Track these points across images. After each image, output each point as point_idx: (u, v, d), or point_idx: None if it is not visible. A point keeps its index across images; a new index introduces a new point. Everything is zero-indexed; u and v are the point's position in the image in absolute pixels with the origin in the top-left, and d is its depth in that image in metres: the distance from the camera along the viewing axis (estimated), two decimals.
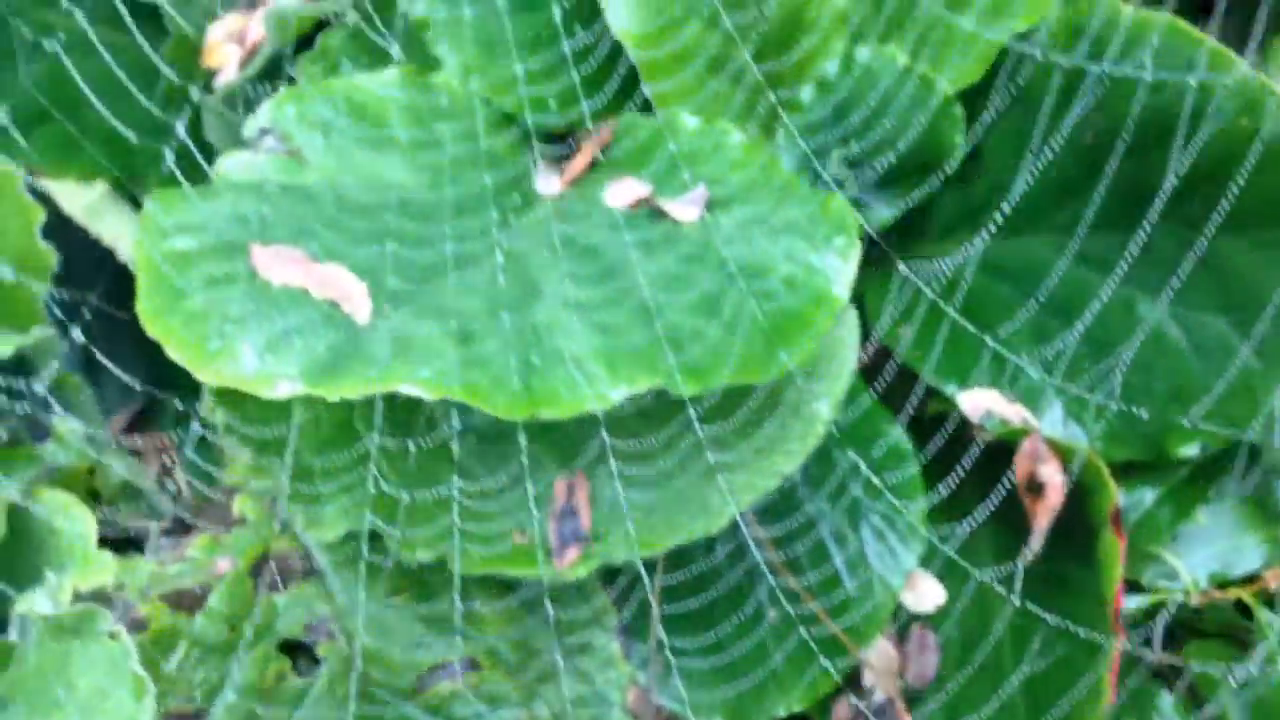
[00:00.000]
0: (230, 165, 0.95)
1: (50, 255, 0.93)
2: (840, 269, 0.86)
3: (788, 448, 0.84)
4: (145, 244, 0.77)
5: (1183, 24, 0.98)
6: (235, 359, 0.72)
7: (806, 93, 1.16)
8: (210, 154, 1.25)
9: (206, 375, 0.72)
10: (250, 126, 1.00)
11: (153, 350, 0.76)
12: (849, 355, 0.87)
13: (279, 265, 0.77)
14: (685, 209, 0.95)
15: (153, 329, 0.74)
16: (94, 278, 1.18)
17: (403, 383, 0.71)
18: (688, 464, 0.84)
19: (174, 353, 0.72)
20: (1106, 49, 1.02)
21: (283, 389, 0.71)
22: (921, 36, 1.15)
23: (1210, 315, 1.05)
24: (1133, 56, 1.04)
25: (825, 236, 0.88)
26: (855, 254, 0.87)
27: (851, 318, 0.90)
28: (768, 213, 0.91)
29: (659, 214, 0.96)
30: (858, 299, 1.03)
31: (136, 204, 1.21)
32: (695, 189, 0.96)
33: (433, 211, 0.96)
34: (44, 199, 1.15)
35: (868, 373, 1.18)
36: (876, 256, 1.04)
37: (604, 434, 0.79)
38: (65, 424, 0.96)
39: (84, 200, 1.13)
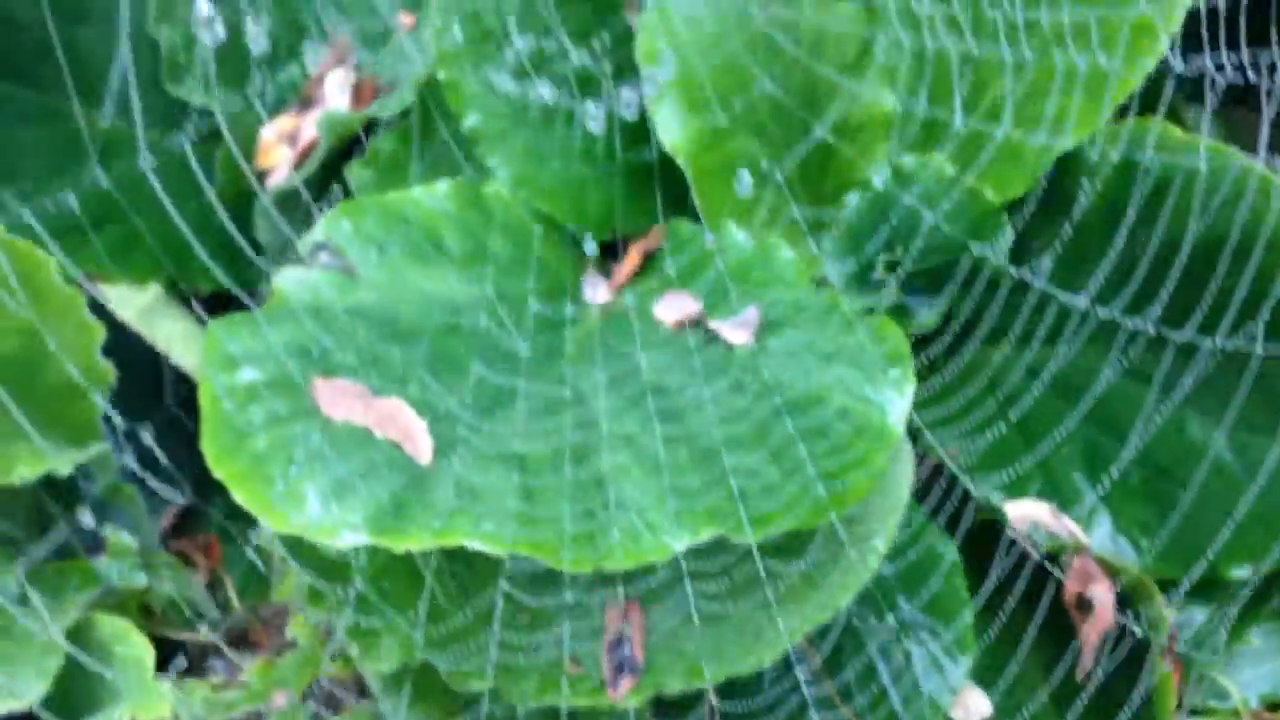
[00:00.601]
0: (287, 282, 0.96)
1: (109, 372, 0.94)
2: (896, 402, 0.86)
3: (842, 581, 0.83)
4: (209, 377, 0.78)
5: (1228, 149, 0.99)
6: (300, 505, 0.72)
7: (852, 199, 1.17)
8: (259, 251, 1.28)
9: (272, 521, 0.72)
10: (306, 242, 1.01)
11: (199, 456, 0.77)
12: (903, 489, 0.87)
13: (341, 401, 0.78)
14: (737, 331, 0.95)
15: (218, 469, 0.74)
16: (147, 382, 1.19)
17: (467, 538, 0.71)
18: (741, 595, 0.83)
19: (239, 496, 0.73)
20: (1155, 169, 1.03)
21: (347, 539, 0.71)
22: (967, 147, 1.16)
23: (1263, 437, 1.04)
24: (1181, 176, 1.05)
25: (880, 367, 0.88)
26: (910, 387, 0.87)
27: (906, 450, 0.90)
28: (820, 338, 0.92)
29: (710, 335, 0.96)
30: None
31: (189, 305, 1.23)
32: (747, 310, 0.97)
33: (486, 329, 0.97)
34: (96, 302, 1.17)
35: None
36: (921, 359, 1.04)
37: (658, 567, 0.79)
38: (119, 537, 0.96)
39: (138, 304, 1.14)
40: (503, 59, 1.05)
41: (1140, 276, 1.06)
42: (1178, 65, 1.00)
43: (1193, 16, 0.99)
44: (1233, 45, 0.96)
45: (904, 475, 0.88)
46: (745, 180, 1.07)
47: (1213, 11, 0.96)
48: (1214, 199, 0.98)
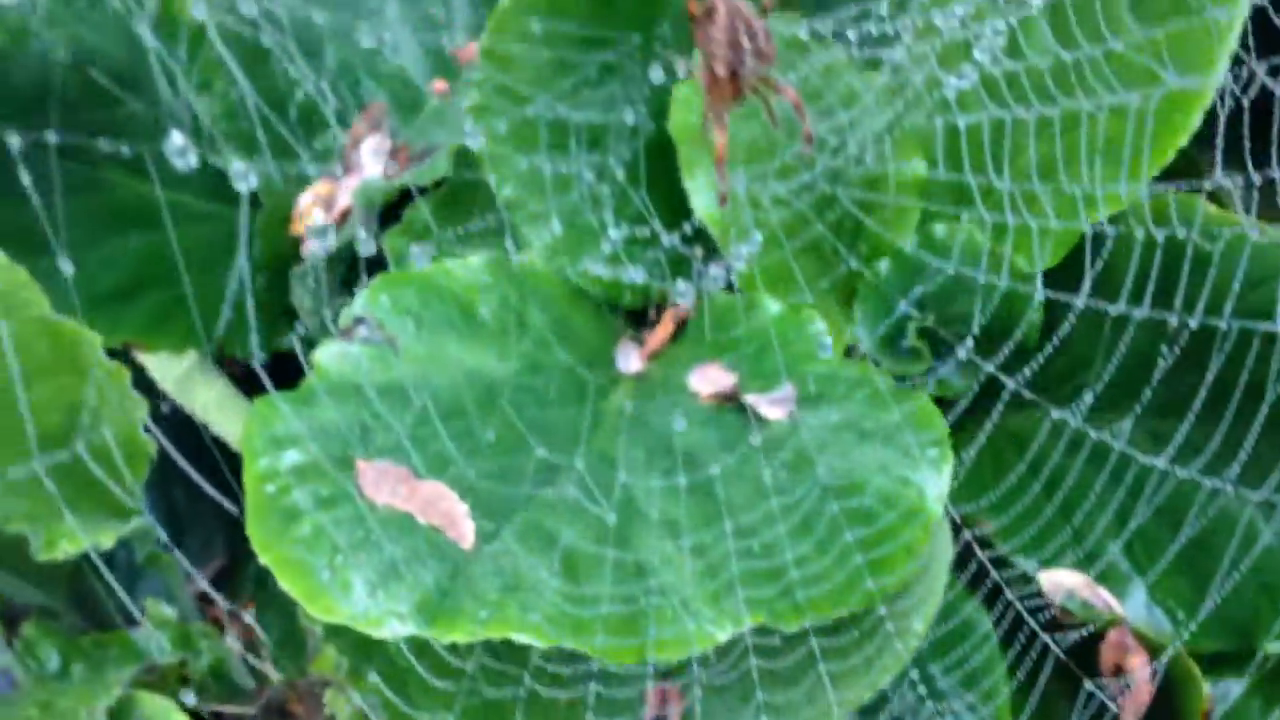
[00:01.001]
0: (327, 357, 0.97)
1: (150, 446, 0.95)
2: (935, 483, 0.86)
3: (881, 662, 0.83)
4: (251, 460, 0.79)
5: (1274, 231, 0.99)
6: (347, 594, 0.73)
7: (883, 265, 1.18)
8: (294, 317, 1.29)
9: (318, 610, 0.72)
10: (345, 316, 1.02)
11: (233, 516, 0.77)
12: (942, 570, 0.87)
13: (383, 485, 0.78)
14: (773, 407, 0.96)
15: (264, 555, 0.75)
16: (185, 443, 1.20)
17: (513, 630, 0.72)
18: (787, 680, 0.83)
19: (285, 584, 0.73)
20: (1188, 245, 1.04)
21: (393, 629, 0.72)
22: (999, 216, 1.16)
23: None
24: (1214, 252, 1.05)
25: (919, 446, 0.88)
26: (949, 467, 0.87)
27: (944, 530, 0.90)
28: (858, 416, 0.92)
29: (741, 410, 0.97)
30: None
31: (225, 370, 1.24)
32: (784, 387, 0.97)
33: (523, 402, 0.98)
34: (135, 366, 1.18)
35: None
36: (954, 424, 1.04)
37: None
38: (159, 609, 0.97)
39: (176, 371, 1.15)
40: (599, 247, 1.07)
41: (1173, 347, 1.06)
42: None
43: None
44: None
45: (942, 556, 0.88)
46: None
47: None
48: (1240, 275, 0.99)
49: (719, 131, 0.76)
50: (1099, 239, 1.10)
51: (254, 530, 0.76)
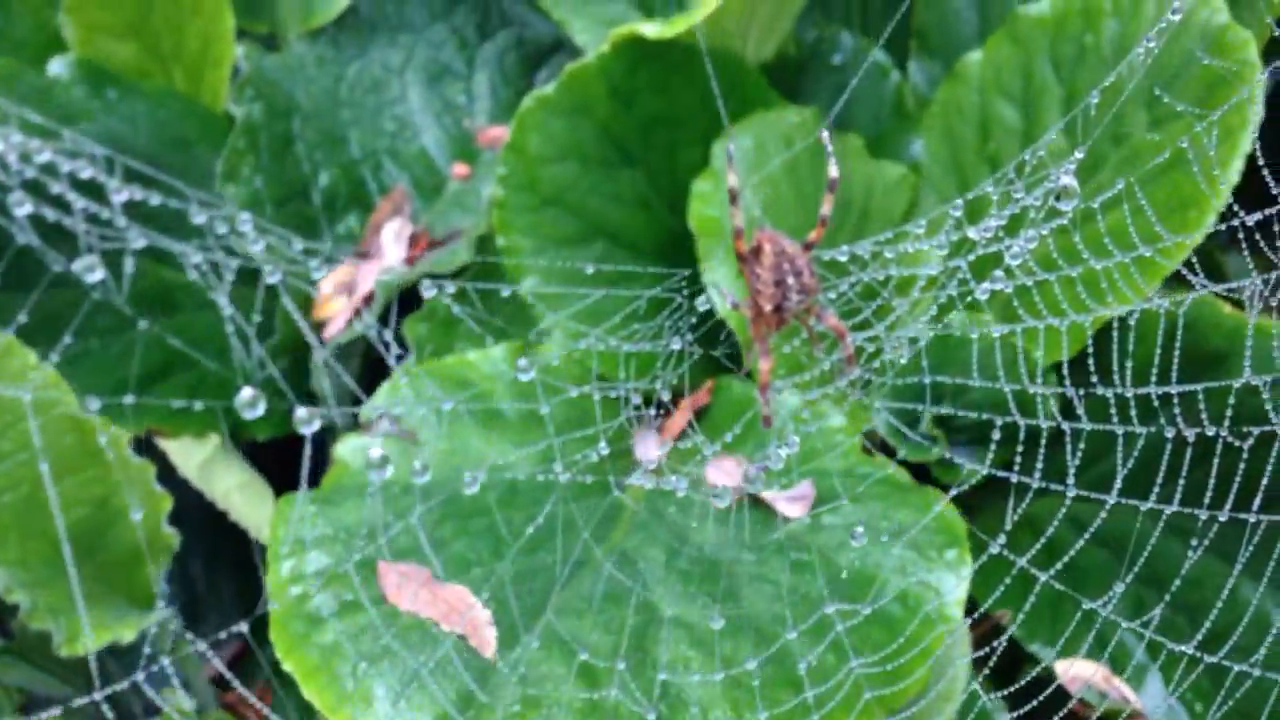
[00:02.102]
0: (348, 451, 0.98)
1: (173, 538, 0.96)
2: (954, 586, 0.86)
3: None
4: (276, 563, 0.80)
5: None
6: (369, 704, 0.73)
7: (902, 354, 1.18)
8: (315, 401, 1.30)
9: (340, 719, 0.73)
10: (366, 409, 1.03)
11: (253, 589, 0.77)
12: (961, 672, 0.87)
13: (406, 589, 0.79)
14: (791, 506, 0.96)
15: (288, 662, 0.75)
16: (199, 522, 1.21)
17: None
18: None
19: (308, 693, 0.74)
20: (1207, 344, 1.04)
21: None
22: (1014, 304, 1.17)
23: None
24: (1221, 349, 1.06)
25: (938, 548, 0.88)
26: (967, 570, 0.87)
27: (963, 632, 0.90)
28: (876, 515, 0.92)
29: (758, 505, 0.97)
30: None
31: (246, 453, 1.25)
32: (802, 485, 0.98)
33: (542, 496, 0.98)
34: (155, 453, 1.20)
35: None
36: (971, 510, 1.05)
37: None
38: (178, 700, 0.97)
39: (198, 458, 1.16)
40: None
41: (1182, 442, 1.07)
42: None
43: None
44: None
45: (961, 658, 0.88)
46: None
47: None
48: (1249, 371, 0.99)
49: (764, 359, 0.78)
50: (1113, 332, 1.11)
51: (278, 637, 0.76)
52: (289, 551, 0.80)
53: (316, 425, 0.64)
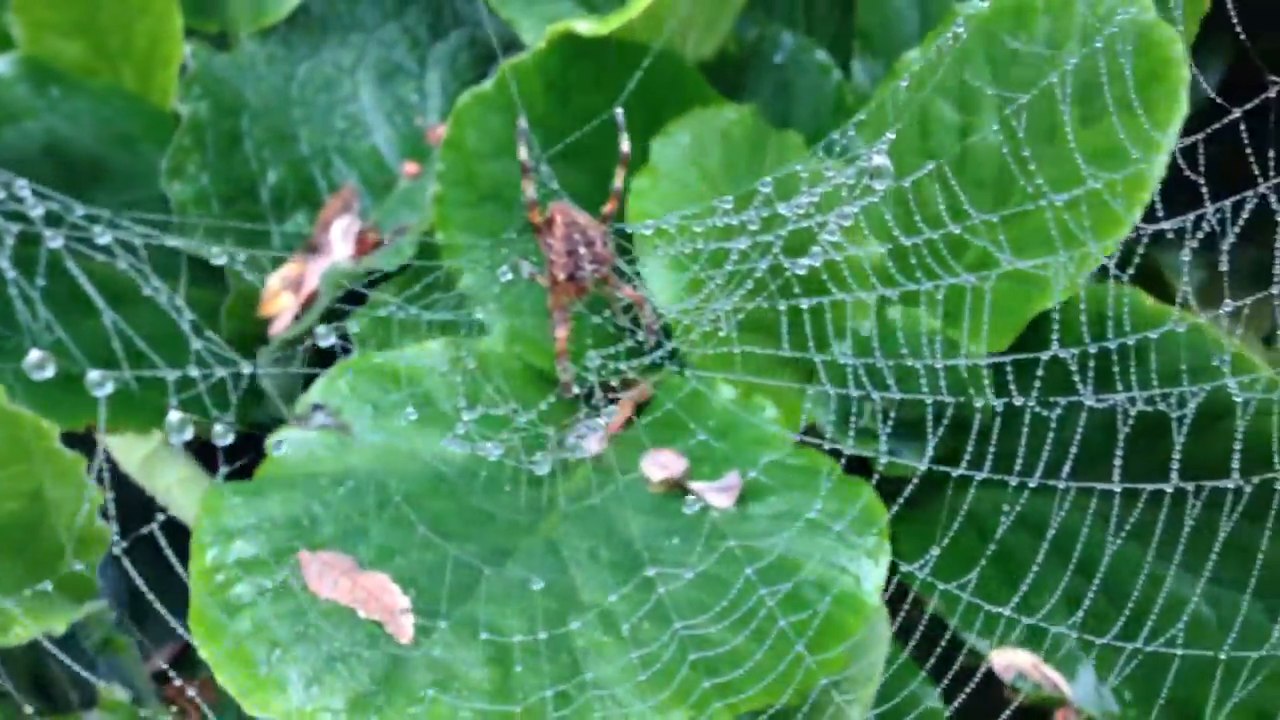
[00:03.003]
0: (283, 443, 0.99)
1: (107, 532, 0.96)
2: (871, 572, 0.88)
3: None
4: (199, 553, 0.81)
5: (1205, 325, 1.02)
6: (282, 689, 0.74)
7: (841, 348, 1.20)
8: (263, 399, 1.31)
9: (253, 705, 0.74)
10: (303, 403, 1.04)
11: None
12: (879, 657, 0.88)
13: (327, 577, 0.80)
14: (719, 495, 0.98)
15: (204, 650, 0.77)
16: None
17: None
18: None
19: (222, 679, 0.75)
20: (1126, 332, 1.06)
21: None
22: (953, 301, 1.19)
23: (1240, 595, 1.06)
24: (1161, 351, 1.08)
25: (857, 534, 0.90)
26: (886, 557, 0.89)
27: (882, 616, 0.91)
28: (800, 505, 0.94)
29: (689, 496, 0.99)
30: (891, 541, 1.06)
31: (192, 450, 1.26)
32: (729, 475, 0.99)
33: (476, 490, 1.00)
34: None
35: (900, 624, 1.20)
36: (910, 502, 1.06)
37: None
38: (112, 693, 0.98)
39: (140, 453, 1.17)
40: None
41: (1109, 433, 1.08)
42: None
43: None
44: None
45: (880, 643, 0.89)
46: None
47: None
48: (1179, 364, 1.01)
49: (561, 326, 0.81)
50: (1047, 324, 1.12)
51: (196, 625, 0.77)
52: (212, 541, 0.81)
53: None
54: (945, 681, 1.11)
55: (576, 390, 0.95)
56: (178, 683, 1.06)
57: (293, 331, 1.27)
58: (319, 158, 1.42)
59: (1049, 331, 1.14)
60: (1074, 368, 1.04)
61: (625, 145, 0.79)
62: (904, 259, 1.23)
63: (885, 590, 1.01)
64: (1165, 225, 0.91)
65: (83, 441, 1.12)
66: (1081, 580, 1.16)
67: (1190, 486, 0.99)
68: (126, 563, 1.11)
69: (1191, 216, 0.97)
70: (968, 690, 1.11)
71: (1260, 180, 0.92)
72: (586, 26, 1.08)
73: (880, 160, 0.76)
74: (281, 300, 1.31)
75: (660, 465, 1.05)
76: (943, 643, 1.05)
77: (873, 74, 1.39)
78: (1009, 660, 1.14)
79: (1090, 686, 1.13)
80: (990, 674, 1.12)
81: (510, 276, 0.83)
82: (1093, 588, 1.14)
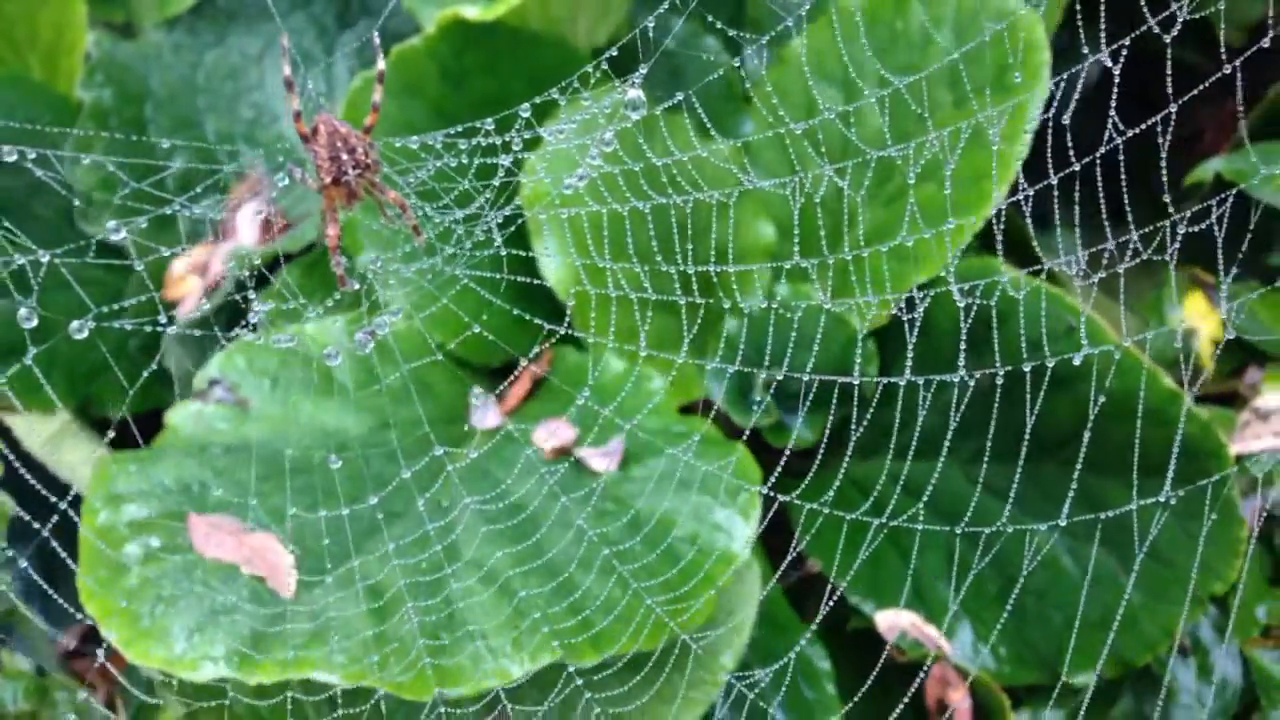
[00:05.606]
0: (179, 417, 1.02)
1: (7, 504, 0.99)
2: (741, 527, 0.93)
3: (690, 695, 0.89)
4: (90, 516, 0.84)
5: (1060, 294, 1.08)
6: (165, 640, 0.78)
7: (732, 324, 1.25)
8: (168, 379, 1.34)
9: (135, 655, 0.77)
10: (200, 378, 1.07)
11: None
12: (750, 608, 0.93)
13: (213, 538, 0.83)
14: (602, 460, 1.02)
15: (89, 606, 0.80)
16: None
17: (315, 669, 0.77)
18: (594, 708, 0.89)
19: (107, 631, 0.78)
20: (998, 306, 1.12)
21: (207, 671, 0.77)
22: (840, 277, 1.24)
23: (1094, 547, 1.11)
24: (1021, 315, 1.13)
25: (731, 494, 0.95)
26: (756, 512, 0.93)
27: (753, 571, 0.96)
28: (679, 466, 0.98)
29: (579, 463, 1.03)
30: (782, 515, 1.10)
31: (97, 429, 1.28)
32: (612, 441, 1.03)
33: (373, 459, 1.03)
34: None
35: (792, 588, 1.25)
36: (803, 472, 1.11)
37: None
38: (13, 661, 1.00)
39: (44, 432, 1.19)
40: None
41: (985, 402, 1.13)
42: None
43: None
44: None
45: (751, 595, 0.94)
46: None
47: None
48: (1039, 332, 1.07)
49: (332, 225, 0.89)
50: (920, 300, 1.18)
51: (83, 580, 0.80)
52: (103, 505, 0.84)
53: (85, 333, 0.71)
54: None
55: (354, 285, 1.02)
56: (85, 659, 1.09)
57: (198, 314, 1.29)
58: (226, 145, 1.44)
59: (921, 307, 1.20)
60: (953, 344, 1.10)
61: (381, 64, 0.89)
62: (790, 237, 1.29)
63: (783, 561, 1.06)
64: (1018, 197, 0.96)
65: None
66: (963, 545, 1.21)
67: None
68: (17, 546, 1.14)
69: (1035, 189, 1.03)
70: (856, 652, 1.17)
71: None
72: (473, 12, 1.12)
73: (634, 93, 0.84)
74: (187, 285, 1.34)
75: (550, 433, 1.10)
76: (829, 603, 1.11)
77: (763, 60, 1.44)
78: (892, 621, 1.19)
79: (968, 645, 1.19)
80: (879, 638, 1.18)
81: (287, 182, 0.89)
82: (971, 547, 1.20)
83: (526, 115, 0.88)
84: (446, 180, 0.89)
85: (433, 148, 0.90)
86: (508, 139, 0.88)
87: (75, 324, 0.78)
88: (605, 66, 1.27)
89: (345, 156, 0.86)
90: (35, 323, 0.75)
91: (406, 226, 0.87)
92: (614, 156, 1.24)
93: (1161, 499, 0.89)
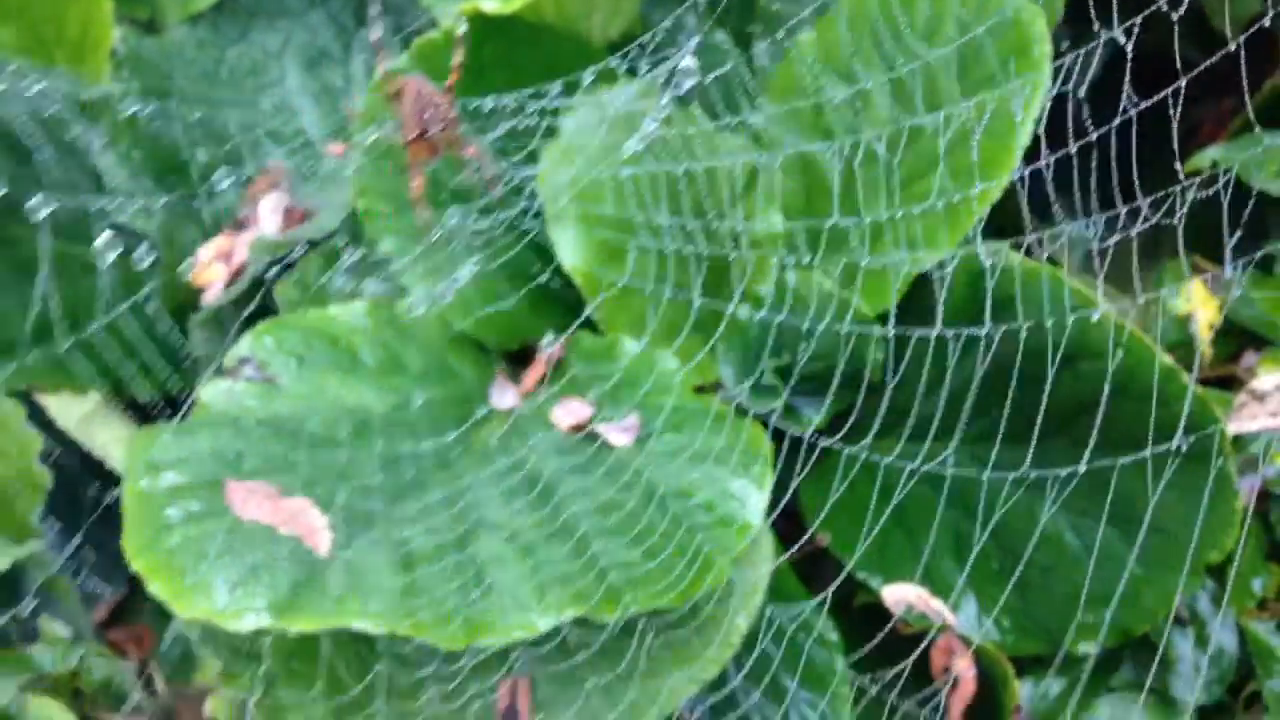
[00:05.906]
0: (210, 394, 1.06)
1: (45, 476, 1.03)
2: (754, 495, 0.96)
3: (706, 655, 0.93)
4: (131, 481, 0.87)
5: (1066, 278, 1.12)
6: (208, 594, 0.81)
7: (743, 310, 1.28)
8: (197, 366, 1.38)
9: (181, 608, 0.81)
10: (231, 356, 1.11)
11: None
12: (763, 572, 0.97)
13: (251, 501, 0.87)
14: (619, 435, 1.06)
15: (135, 563, 0.83)
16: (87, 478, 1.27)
17: (355, 619, 0.81)
18: (616, 668, 0.93)
19: (154, 587, 0.82)
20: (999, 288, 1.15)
21: (249, 622, 0.80)
22: (846, 264, 1.28)
23: (1099, 524, 1.15)
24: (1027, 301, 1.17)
25: (743, 464, 0.98)
26: (769, 481, 0.97)
27: (765, 538, 1.00)
28: (693, 441, 1.02)
29: (596, 438, 1.07)
30: (794, 494, 1.14)
31: (131, 410, 1.32)
32: (629, 416, 1.07)
33: (395, 435, 1.07)
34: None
35: (802, 564, 1.28)
36: (813, 455, 1.14)
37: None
38: (52, 628, 1.04)
39: (77, 412, 1.23)
40: None
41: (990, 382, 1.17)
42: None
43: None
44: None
45: (764, 560, 0.98)
46: None
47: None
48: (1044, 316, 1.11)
49: (416, 177, 1.00)
50: (926, 284, 1.22)
51: (128, 540, 0.84)
52: (143, 473, 0.87)
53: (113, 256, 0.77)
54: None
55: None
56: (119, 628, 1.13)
57: (224, 300, 1.33)
58: (248, 139, 1.48)
59: (930, 290, 1.23)
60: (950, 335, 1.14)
61: (464, 26, 1.04)
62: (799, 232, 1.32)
63: (792, 546, 1.10)
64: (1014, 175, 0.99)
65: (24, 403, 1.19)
66: (966, 522, 1.25)
67: None
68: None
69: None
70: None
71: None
72: (491, 5, 1.16)
73: (689, 61, 0.90)
74: (212, 271, 1.38)
75: (569, 411, 1.14)
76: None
77: (774, 55, 1.48)
78: (899, 594, 1.23)
79: (973, 617, 1.22)
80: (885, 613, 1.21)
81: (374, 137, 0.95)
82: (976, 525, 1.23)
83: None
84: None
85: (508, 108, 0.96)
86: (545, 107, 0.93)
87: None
88: (614, 63, 1.32)
89: (428, 114, 0.96)
90: (152, 259, 0.79)
91: (482, 181, 0.94)
92: (633, 158, 1.29)
93: (1161, 451, 0.92)
